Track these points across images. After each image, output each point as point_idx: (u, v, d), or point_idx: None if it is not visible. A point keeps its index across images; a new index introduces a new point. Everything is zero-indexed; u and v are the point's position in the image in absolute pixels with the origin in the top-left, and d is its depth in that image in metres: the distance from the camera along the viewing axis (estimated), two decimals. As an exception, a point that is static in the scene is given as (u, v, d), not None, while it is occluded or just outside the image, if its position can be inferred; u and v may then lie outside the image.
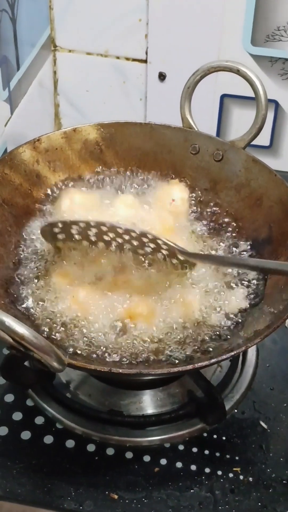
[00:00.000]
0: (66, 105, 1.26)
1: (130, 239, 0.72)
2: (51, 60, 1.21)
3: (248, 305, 0.74)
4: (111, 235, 0.72)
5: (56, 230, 0.74)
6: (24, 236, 0.82)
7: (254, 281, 0.77)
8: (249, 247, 0.82)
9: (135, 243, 0.72)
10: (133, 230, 0.71)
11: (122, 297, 0.74)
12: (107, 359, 0.69)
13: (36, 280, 0.78)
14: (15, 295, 0.76)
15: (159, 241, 0.71)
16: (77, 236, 0.74)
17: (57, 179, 0.88)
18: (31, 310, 0.75)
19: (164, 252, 0.73)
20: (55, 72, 1.22)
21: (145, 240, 0.72)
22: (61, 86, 1.24)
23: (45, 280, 0.77)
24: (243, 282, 0.77)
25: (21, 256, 0.80)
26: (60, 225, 0.73)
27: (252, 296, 0.76)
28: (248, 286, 0.77)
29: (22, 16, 1.03)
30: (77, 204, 0.83)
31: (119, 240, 0.73)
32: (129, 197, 0.85)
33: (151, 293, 0.74)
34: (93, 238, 0.73)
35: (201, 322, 0.73)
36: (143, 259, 0.75)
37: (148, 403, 0.78)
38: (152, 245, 0.72)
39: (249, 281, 0.78)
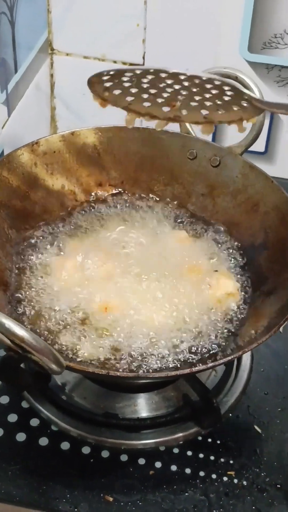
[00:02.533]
0: (62, 108, 1.26)
1: (190, 85, 0.65)
2: (48, 63, 1.21)
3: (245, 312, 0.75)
4: (169, 81, 0.66)
5: (105, 78, 0.67)
6: (23, 239, 0.82)
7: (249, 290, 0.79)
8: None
9: (194, 89, 0.66)
10: (198, 76, 0.65)
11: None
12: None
13: (34, 283, 0.78)
14: (12, 298, 0.76)
15: (226, 87, 0.66)
16: (127, 84, 0.67)
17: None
18: (28, 312, 0.75)
19: (227, 98, 0.67)
20: (52, 75, 1.23)
21: (208, 86, 0.66)
22: (57, 89, 1.24)
23: (43, 282, 0.78)
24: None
25: (19, 258, 0.80)
26: (112, 72, 0.66)
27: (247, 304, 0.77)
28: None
29: (20, 19, 1.03)
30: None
31: (176, 87, 0.66)
32: (183, 233, 0.86)
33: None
34: (145, 86, 0.67)
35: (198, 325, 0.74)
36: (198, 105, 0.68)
37: (143, 406, 0.79)
38: (214, 91, 0.66)
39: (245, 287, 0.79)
